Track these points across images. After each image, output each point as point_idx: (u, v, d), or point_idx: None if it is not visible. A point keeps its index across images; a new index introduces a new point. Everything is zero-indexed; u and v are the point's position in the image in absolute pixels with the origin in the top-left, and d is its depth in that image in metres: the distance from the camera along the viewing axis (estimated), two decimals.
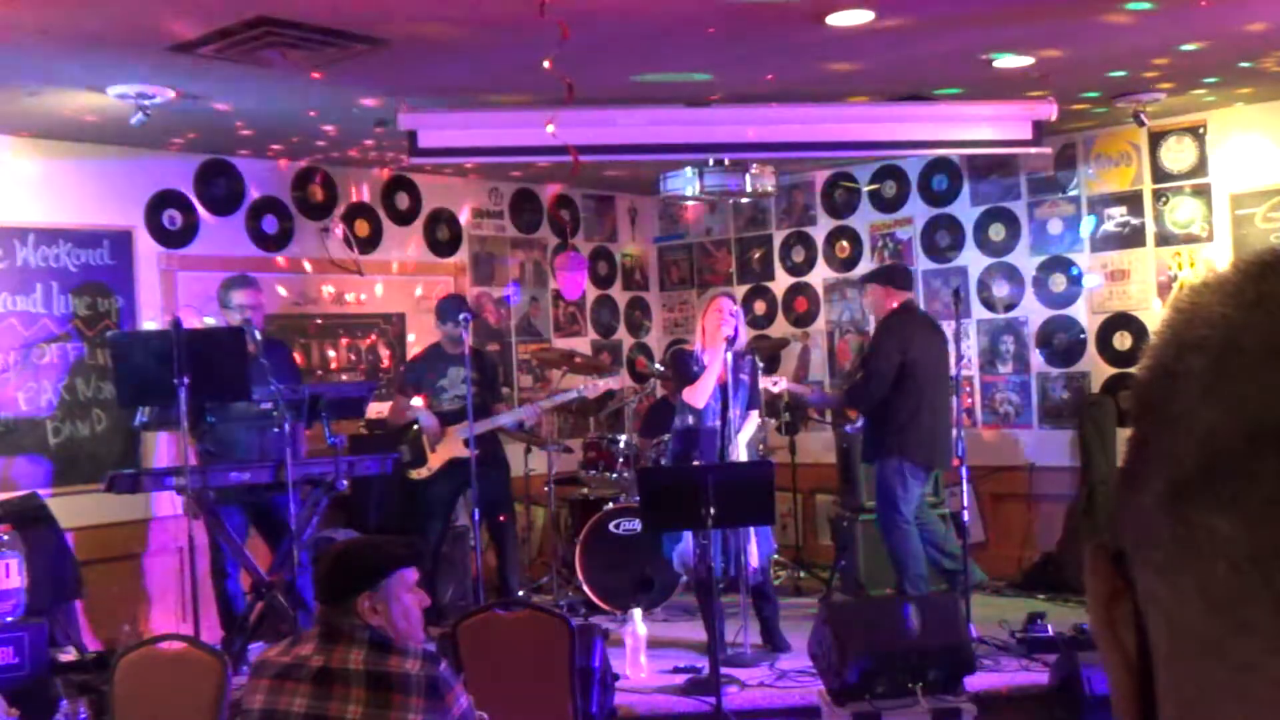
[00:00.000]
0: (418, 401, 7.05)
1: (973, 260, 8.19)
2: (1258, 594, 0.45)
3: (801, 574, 7.89)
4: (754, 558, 6.07)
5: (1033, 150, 6.56)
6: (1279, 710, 0.45)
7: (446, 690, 2.80)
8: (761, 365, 6.58)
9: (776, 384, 6.92)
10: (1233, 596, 0.46)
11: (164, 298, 7.00)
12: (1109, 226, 7.72)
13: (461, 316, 6.68)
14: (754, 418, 6.31)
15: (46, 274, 6.60)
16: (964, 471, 6.24)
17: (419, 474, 6.99)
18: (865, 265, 8.68)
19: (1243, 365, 0.47)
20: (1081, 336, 7.79)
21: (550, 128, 5.44)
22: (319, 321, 7.75)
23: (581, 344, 9.08)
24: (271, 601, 6.02)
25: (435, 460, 6.99)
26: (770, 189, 6.84)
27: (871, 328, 7.24)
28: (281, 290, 7.57)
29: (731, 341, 6.00)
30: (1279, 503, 0.45)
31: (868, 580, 7.17)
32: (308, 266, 7.73)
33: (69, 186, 6.69)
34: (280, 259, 7.58)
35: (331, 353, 7.80)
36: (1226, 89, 6.65)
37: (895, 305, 6.70)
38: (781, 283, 9.13)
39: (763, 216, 9.21)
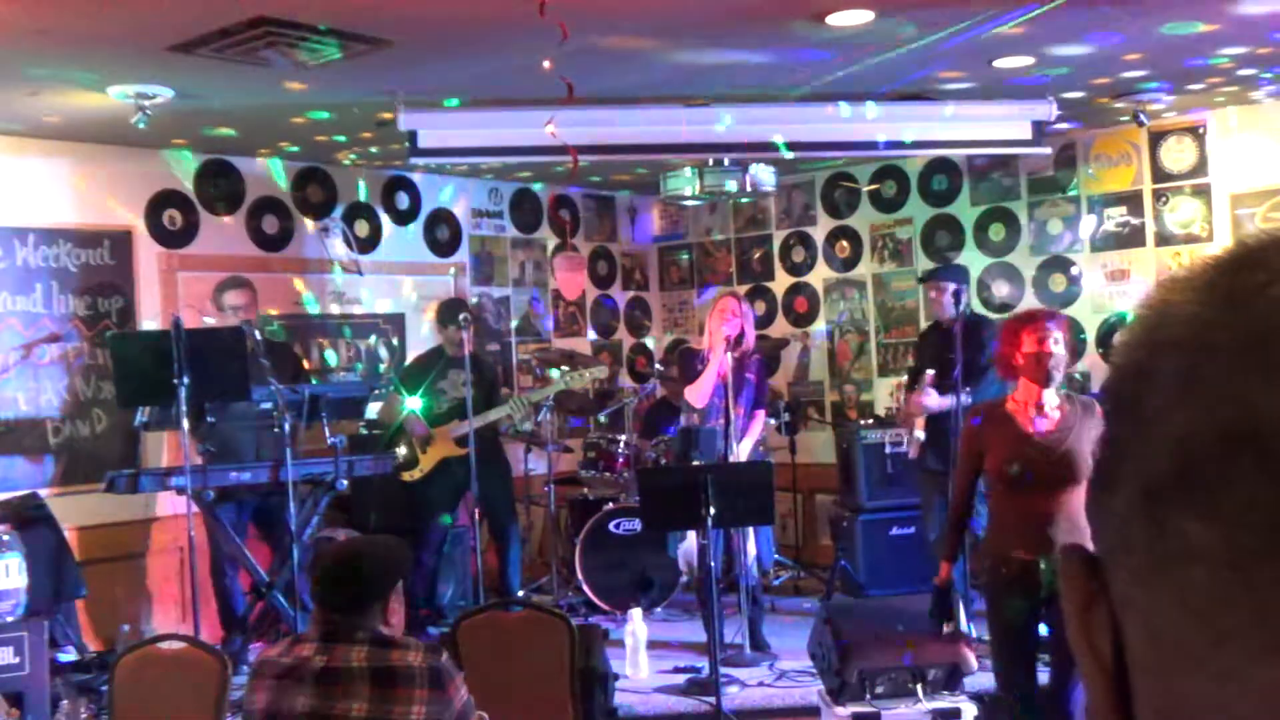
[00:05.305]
0: (413, 401, 7.05)
1: (973, 260, 8.17)
2: (1238, 600, 0.44)
3: (801, 574, 7.89)
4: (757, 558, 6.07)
5: (1033, 150, 6.56)
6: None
7: (449, 680, 2.82)
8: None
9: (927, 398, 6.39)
10: (1212, 603, 0.45)
11: (164, 298, 7.00)
12: (1109, 226, 7.71)
13: (461, 318, 6.70)
14: (761, 417, 6.29)
15: (46, 274, 6.60)
16: None
17: (411, 476, 7.00)
18: (866, 265, 8.68)
19: (1216, 365, 0.46)
20: (1081, 336, 7.77)
21: (550, 128, 5.44)
22: (319, 321, 7.75)
23: (581, 344, 9.08)
24: (271, 601, 6.03)
25: (427, 461, 6.99)
26: (770, 189, 6.83)
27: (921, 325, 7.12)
28: (281, 290, 7.56)
29: (731, 342, 5.99)
30: (1257, 506, 0.43)
31: (868, 580, 7.16)
32: (320, 263, 7.74)
33: (69, 186, 6.69)
34: (280, 259, 7.58)
35: (331, 353, 7.79)
36: (1226, 89, 6.64)
37: (963, 306, 6.56)
38: (781, 283, 9.12)
39: (763, 216, 9.21)
